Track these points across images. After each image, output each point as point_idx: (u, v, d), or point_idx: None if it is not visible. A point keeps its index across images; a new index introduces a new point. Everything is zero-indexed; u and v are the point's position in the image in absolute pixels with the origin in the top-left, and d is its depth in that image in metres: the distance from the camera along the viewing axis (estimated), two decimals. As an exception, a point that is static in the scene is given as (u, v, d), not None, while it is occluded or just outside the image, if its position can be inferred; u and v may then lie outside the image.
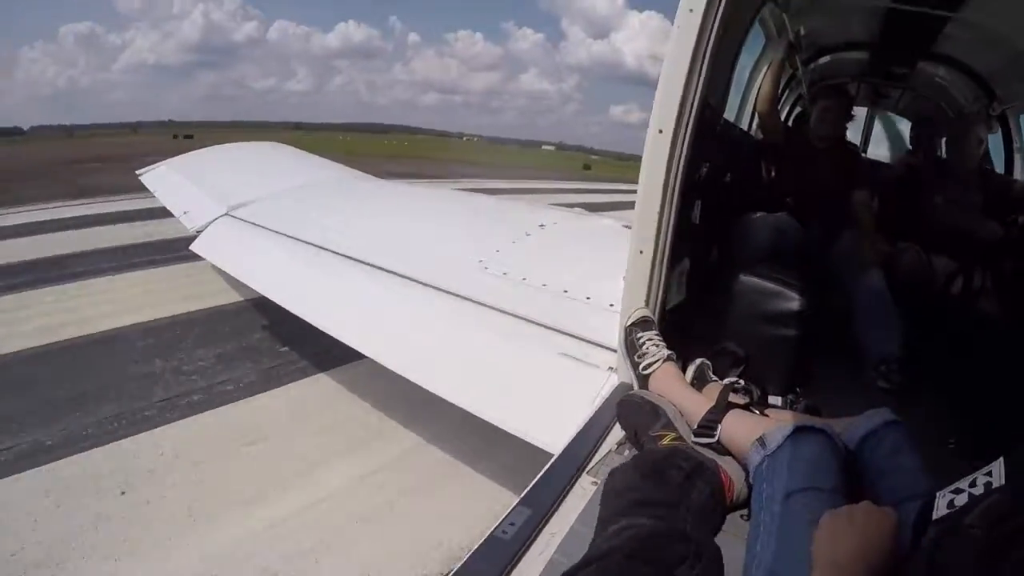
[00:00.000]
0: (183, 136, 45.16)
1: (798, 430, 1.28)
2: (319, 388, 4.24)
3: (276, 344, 4.77)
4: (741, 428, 1.52)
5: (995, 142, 3.93)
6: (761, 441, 1.34)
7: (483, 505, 3.03)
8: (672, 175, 1.89)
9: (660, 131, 1.86)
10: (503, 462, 3.22)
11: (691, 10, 1.79)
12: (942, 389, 2.55)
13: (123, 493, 2.96)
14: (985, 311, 2.99)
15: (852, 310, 2.80)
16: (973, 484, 1.01)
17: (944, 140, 3.85)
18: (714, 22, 1.81)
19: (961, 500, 0.99)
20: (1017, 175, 4.09)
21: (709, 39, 1.83)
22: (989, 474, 1.01)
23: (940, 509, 1.00)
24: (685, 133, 1.87)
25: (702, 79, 1.85)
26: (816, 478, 1.20)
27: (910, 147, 4.30)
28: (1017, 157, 4.11)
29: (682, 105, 1.83)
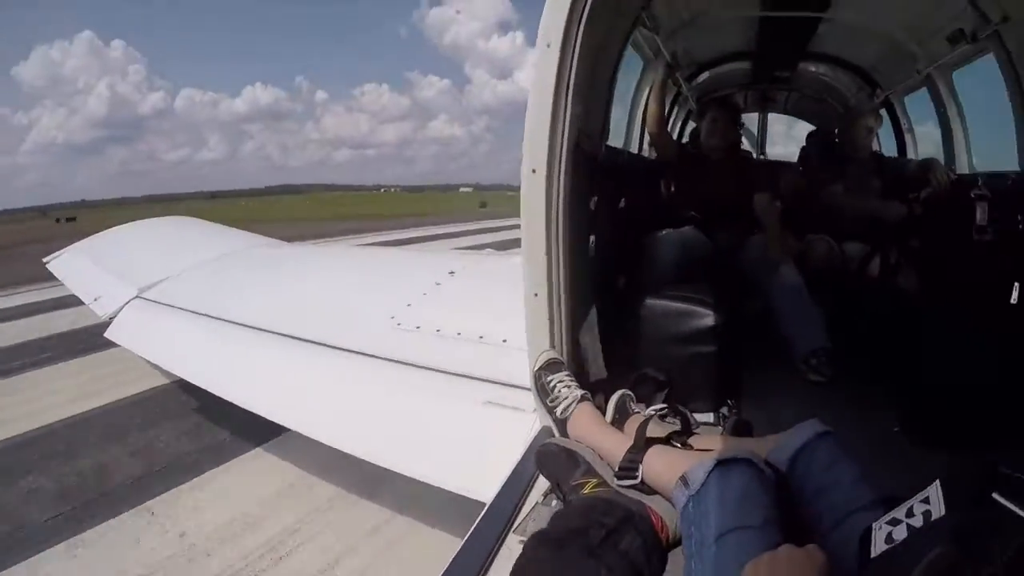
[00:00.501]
0: (65, 219, 44.44)
1: (720, 464, 1.24)
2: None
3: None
4: (663, 466, 1.48)
5: (885, 128, 4.07)
6: (684, 480, 1.29)
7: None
8: (553, 214, 1.85)
9: (533, 171, 1.81)
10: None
11: (548, 45, 1.76)
12: (873, 372, 2.57)
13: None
14: (901, 289, 3.06)
15: (771, 310, 2.82)
16: (910, 513, 0.99)
17: (836, 134, 3.98)
18: (574, 54, 1.78)
19: (900, 533, 0.97)
20: (910, 155, 4.24)
21: (571, 72, 1.79)
22: (927, 500, 0.99)
23: (878, 544, 0.97)
24: (560, 170, 1.83)
25: (569, 113, 1.81)
26: (745, 515, 1.16)
27: (804, 145, 4.44)
28: (908, 138, 4.26)
29: (551, 142, 1.79)
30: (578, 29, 1.76)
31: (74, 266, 5.54)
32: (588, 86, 1.91)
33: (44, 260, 5.91)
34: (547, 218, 1.84)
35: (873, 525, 1.02)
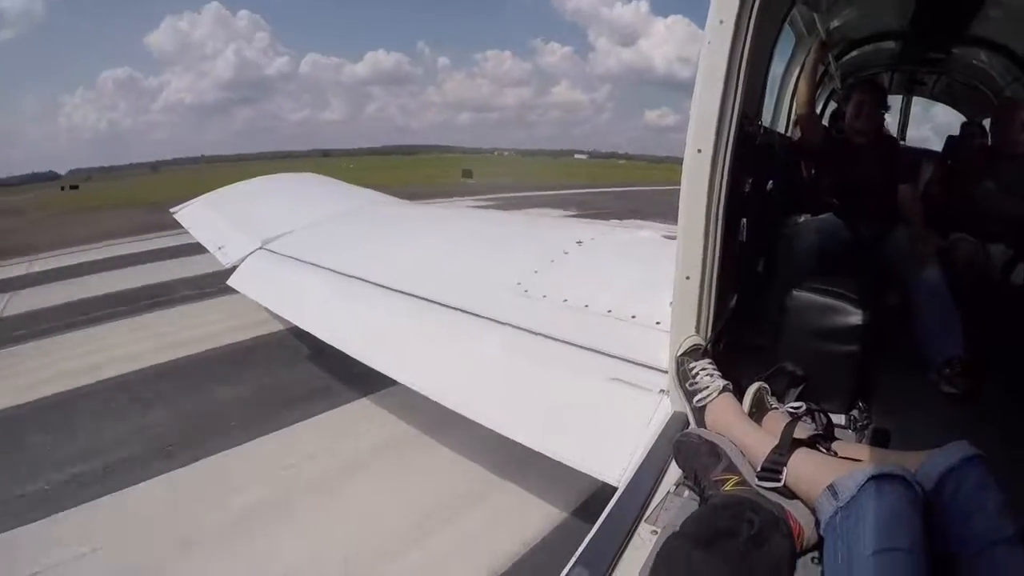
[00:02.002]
0: (69, 187, 45.96)
1: (873, 478, 1.18)
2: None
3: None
4: (809, 471, 1.42)
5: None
6: (832, 490, 1.24)
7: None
8: (715, 196, 1.80)
9: (699, 151, 1.75)
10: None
11: (721, 22, 1.69)
12: (1011, 389, 2.42)
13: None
14: None
15: (910, 310, 2.66)
16: None
17: (989, 125, 3.67)
18: (747, 31, 1.72)
19: None
20: None
21: (744, 50, 1.72)
22: None
23: None
24: (726, 151, 1.77)
25: (739, 92, 1.74)
26: (894, 537, 1.10)
27: (953, 135, 4.13)
28: None
29: (720, 122, 1.73)
30: (752, 5, 1.68)
31: (200, 217, 5.81)
32: (752, 65, 1.81)
33: (171, 210, 6.24)
34: (708, 200, 1.79)
35: None
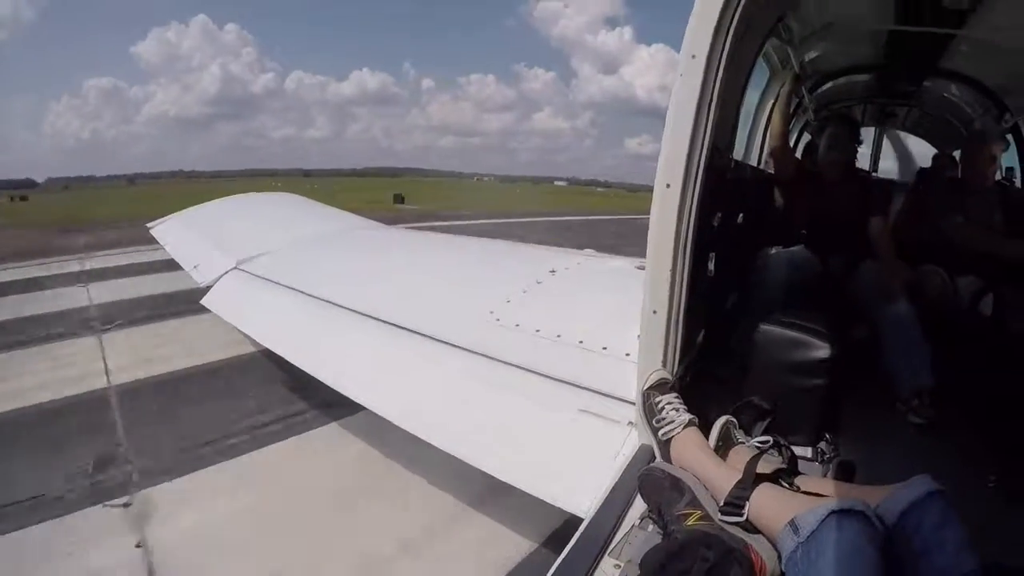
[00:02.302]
0: (18, 199, 45.48)
1: (833, 513, 1.19)
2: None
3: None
4: (771, 506, 1.42)
5: (1010, 155, 3.84)
6: (793, 526, 1.25)
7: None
8: (683, 231, 1.81)
9: (668, 186, 1.77)
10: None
11: (693, 56, 1.71)
12: (976, 420, 2.47)
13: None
14: (1013, 332, 2.87)
15: (878, 341, 2.71)
16: None
17: (959, 158, 3.77)
18: (719, 66, 1.74)
19: None
20: None
21: (715, 84, 1.74)
22: None
23: None
24: (695, 186, 1.79)
25: (710, 126, 1.76)
26: (853, 573, 1.12)
27: (923, 167, 4.22)
28: None
29: (689, 158, 1.74)
30: (724, 40, 1.71)
31: (176, 233, 5.79)
32: (725, 99, 1.84)
33: (148, 225, 6.20)
34: (676, 235, 1.80)
35: None
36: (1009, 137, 3.91)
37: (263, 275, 4.05)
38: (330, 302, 3.39)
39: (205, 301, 4.09)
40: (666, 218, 1.79)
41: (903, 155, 5.67)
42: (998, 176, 3.52)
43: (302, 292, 3.61)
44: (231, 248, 4.55)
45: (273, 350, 3.41)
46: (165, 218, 6.18)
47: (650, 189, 1.86)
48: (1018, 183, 4.07)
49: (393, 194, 35.20)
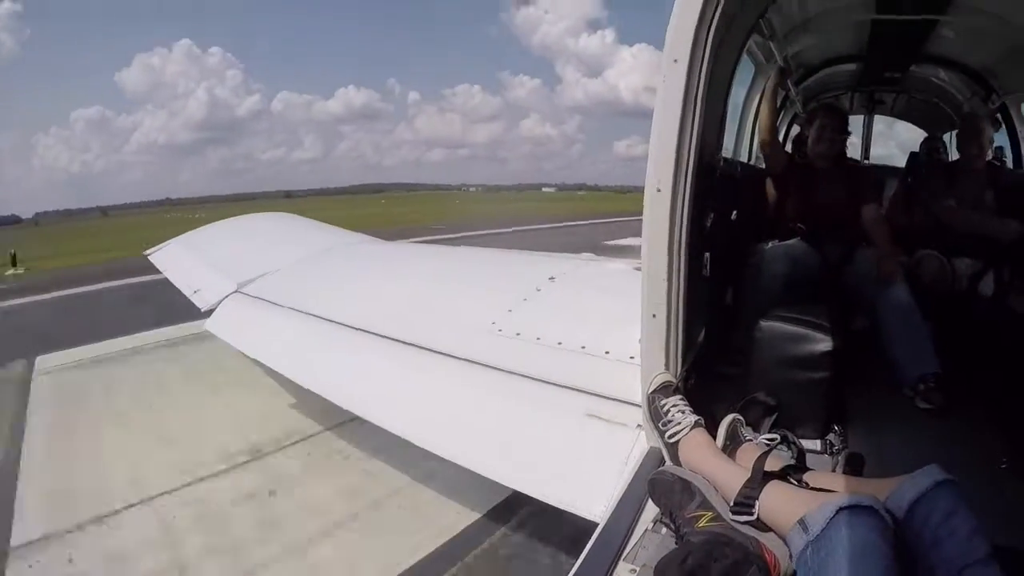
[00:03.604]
0: None
1: (842, 509, 1.18)
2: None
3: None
4: (781, 504, 1.42)
5: (998, 135, 3.85)
6: (802, 524, 1.24)
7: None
8: (676, 233, 1.81)
9: (658, 190, 1.77)
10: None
11: (675, 61, 1.71)
12: (984, 401, 2.45)
13: None
14: (1015, 313, 2.87)
15: (880, 329, 2.69)
16: None
17: (952, 139, 3.78)
18: (702, 68, 1.74)
19: None
20: None
21: (699, 86, 1.74)
22: None
23: None
24: (685, 188, 1.79)
25: (696, 129, 1.76)
26: (864, 569, 1.10)
27: (914, 151, 4.23)
28: None
29: (678, 160, 1.75)
30: (705, 42, 1.72)
31: (175, 259, 5.79)
32: (710, 99, 1.85)
33: (145, 252, 6.21)
34: (670, 239, 1.80)
35: None
36: (998, 117, 3.92)
37: (264, 297, 4.06)
38: (332, 320, 3.39)
39: (208, 326, 4.10)
40: (658, 221, 1.79)
41: (894, 141, 5.68)
42: (989, 156, 3.52)
43: (303, 312, 3.62)
44: (230, 271, 4.57)
45: (278, 371, 3.43)
46: (163, 244, 6.19)
47: (640, 190, 1.86)
48: (1008, 163, 4.07)
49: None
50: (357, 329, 3.22)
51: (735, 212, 2.95)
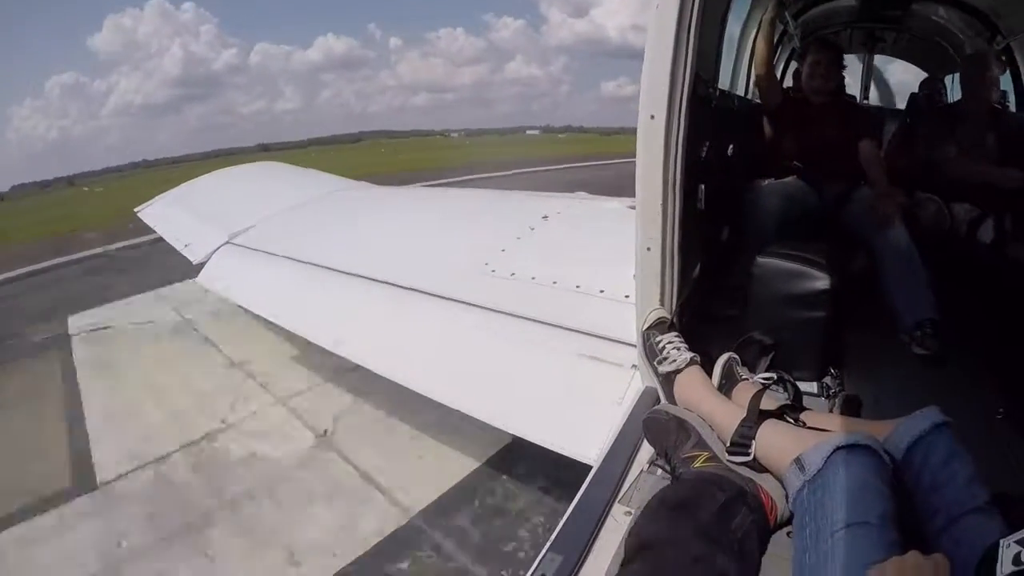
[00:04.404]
0: None
1: (839, 448, 1.17)
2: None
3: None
4: (777, 444, 1.39)
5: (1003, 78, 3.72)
6: (799, 463, 1.23)
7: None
8: (671, 163, 1.74)
9: (652, 117, 1.69)
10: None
11: None
12: (982, 349, 2.41)
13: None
14: (1014, 260, 2.80)
15: (878, 272, 2.63)
16: None
17: (954, 80, 3.66)
18: None
19: None
20: None
21: (693, 10, 1.65)
22: None
23: (1006, 564, 0.91)
24: (679, 116, 1.71)
25: (691, 55, 1.67)
26: (862, 509, 1.08)
27: (914, 92, 4.11)
28: None
29: (672, 87, 1.66)
30: None
31: (165, 214, 5.72)
32: (705, 27, 1.75)
33: (135, 209, 6.12)
34: (664, 168, 1.73)
35: (1001, 542, 0.94)
36: (1003, 59, 3.78)
37: (255, 247, 4.02)
38: (324, 267, 3.37)
39: (200, 279, 4.07)
40: (653, 151, 1.72)
41: (893, 80, 5.55)
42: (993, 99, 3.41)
43: (295, 260, 3.59)
44: (221, 223, 4.51)
45: (271, 320, 3.42)
46: (152, 200, 6.10)
47: (626, 131, 1.77)
48: (1011, 107, 3.94)
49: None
50: (350, 274, 3.19)
51: (732, 146, 2.86)
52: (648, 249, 1.84)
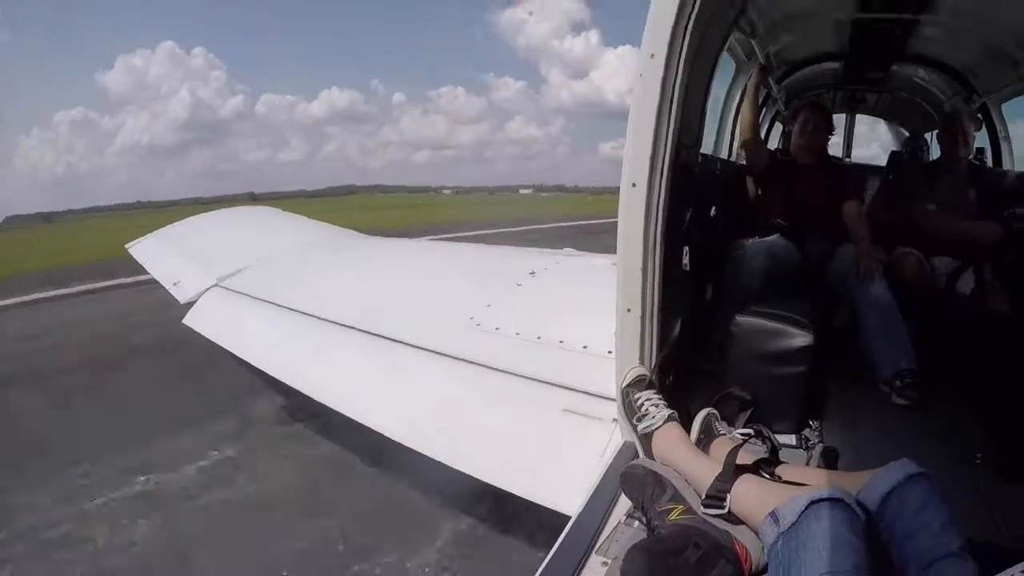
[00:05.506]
0: None
1: (814, 502, 1.19)
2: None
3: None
4: (752, 498, 1.42)
5: (980, 136, 3.89)
6: (774, 516, 1.25)
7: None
8: (652, 228, 1.81)
9: (633, 185, 1.77)
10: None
11: (652, 56, 1.71)
12: (959, 398, 2.47)
13: None
14: (993, 311, 2.90)
15: (858, 325, 2.71)
16: None
17: (935, 139, 3.81)
18: (679, 63, 1.73)
19: None
20: (1006, 166, 4.05)
21: (676, 82, 1.74)
22: None
23: None
24: (661, 183, 1.79)
25: (672, 125, 1.76)
26: (837, 560, 1.10)
27: (896, 151, 4.26)
28: (1004, 147, 4.07)
29: (654, 155, 1.75)
30: (683, 38, 1.71)
31: (155, 252, 5.72)
32: (688, 95, 1.85)
33: (126, 246, 6.14)
34: (645, 234, 1.80)
35: None
36: (979, 117, 3.96)
37: (243, 291, 4.03)
38: (310, 315, 3.38)
39: (187, 320, 4.05)
40: (633, 216, 1.79)
41: (876, 140, 5.72)
42: (970, 156, 3.55)
43: (282, 307, 3.60)
44: (210, 265, 4.52)
45: (256, 367, 3.41)
46: (144, 237, 6.12)
47: (616, 191, 1.86)
48: (988, 163, 4.11)
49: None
50: (336, 324, 3.21)
51: (715, 208, 2.96)
52: (628, 310, 1.90)
